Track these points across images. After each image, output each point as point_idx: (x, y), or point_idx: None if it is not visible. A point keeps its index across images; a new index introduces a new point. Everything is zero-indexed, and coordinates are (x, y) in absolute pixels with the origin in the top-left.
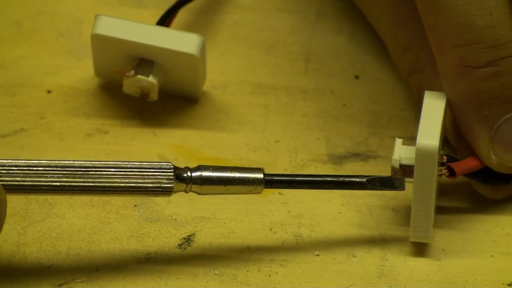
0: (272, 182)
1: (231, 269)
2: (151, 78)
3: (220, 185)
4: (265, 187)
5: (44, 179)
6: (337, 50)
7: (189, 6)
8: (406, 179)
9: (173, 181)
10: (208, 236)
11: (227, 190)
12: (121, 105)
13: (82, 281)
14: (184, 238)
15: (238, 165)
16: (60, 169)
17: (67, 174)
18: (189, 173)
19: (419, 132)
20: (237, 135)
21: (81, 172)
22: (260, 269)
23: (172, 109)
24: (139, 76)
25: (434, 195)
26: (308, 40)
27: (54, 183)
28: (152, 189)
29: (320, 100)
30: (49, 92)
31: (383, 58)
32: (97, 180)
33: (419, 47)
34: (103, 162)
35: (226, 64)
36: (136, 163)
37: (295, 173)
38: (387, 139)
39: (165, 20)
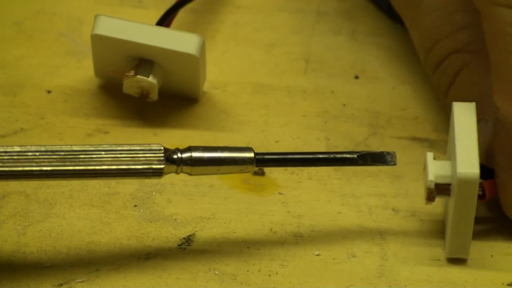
0: (263, 161)
1: (231, 269)
2: (151, 78)
3: (211, 166)
4: (256, 166)
5: (35, 165)
6: (337, 50)
7: (189, 6)
8: (441, 196)
9: (163, 163)
10: (208, 236)
11: (218, 170)
12: (121, 105)
13: (82, 281)
14: (184, 238)
15: None
16: (50, 153)
17: (58, 158)
18: (179, 154)
19: (458, 159)
20: (237, 135)
21: (72, 156)
22: (260, 269)
23: (172, 109)
24: (139, 76)
25: (475, 214)
26: (308, 40)
27: (44, 168)
28: (142, 171)
29: (320, 100)
30: (49, 92)
31: (383, 58)
32: (87, 163)
33: (477, 28)
34: (93, 146)
35: (226, 64)
36: (126, 146)
37: (296, 172)
38: (387, 139)
39: (165, 20)
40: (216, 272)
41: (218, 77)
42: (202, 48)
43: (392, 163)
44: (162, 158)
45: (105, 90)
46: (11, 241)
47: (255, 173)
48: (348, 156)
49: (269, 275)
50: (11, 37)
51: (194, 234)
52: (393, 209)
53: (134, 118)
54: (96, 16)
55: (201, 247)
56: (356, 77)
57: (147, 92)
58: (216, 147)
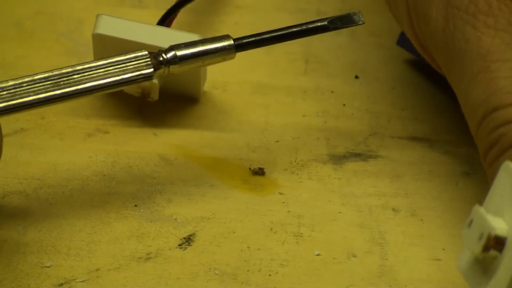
0: (242, 45)
1: (231, 269)
2: None
3: (195, 60)
4: (236, 51)
5: (32, 94)
6: (337, 50)
7: (189, 6)
8: (495, 251)
9: (151, 66)
10: (208, 236)
11: (203, 62)
12: (121, 105)
13: (82, 281)
14: (184, 238)
15: (239, 165)
16: (44, 80)
17: (52, 84)
18: (164, 55)
19: None
20: (237, 135)
21: (65, 79)
22: (260, 269)
23: (172, 109)
24: None
25: None
26: (308, 40)
27: (42, 95)
28: (133, 78)
29: (320, 100)
30: None
31: (383, 58)
32: (81, 82)
33: None
34: (82, 64)
35: (226, 64)
36: (113, 58)
37: (296, 172)
38: (387, 139)
39: (166, 20)
40: (216, 272)
41: (218, 77)
42: None
43: (360, 22)
44: (150, 62)
45: None
46: (11, 241)
47: (255, 173)
48: (319, 24)
49: (269, 275)
50: (11, 37)
51: (194, 234)
52: (393, 209)
53: (135, 118)
54: (97, 16)
55: (201, 247)
56: (356, 77)
57: (148, 92)
58: (196, 41)
